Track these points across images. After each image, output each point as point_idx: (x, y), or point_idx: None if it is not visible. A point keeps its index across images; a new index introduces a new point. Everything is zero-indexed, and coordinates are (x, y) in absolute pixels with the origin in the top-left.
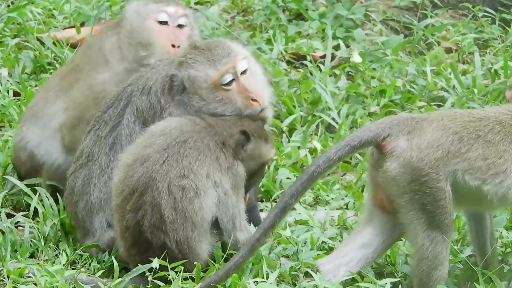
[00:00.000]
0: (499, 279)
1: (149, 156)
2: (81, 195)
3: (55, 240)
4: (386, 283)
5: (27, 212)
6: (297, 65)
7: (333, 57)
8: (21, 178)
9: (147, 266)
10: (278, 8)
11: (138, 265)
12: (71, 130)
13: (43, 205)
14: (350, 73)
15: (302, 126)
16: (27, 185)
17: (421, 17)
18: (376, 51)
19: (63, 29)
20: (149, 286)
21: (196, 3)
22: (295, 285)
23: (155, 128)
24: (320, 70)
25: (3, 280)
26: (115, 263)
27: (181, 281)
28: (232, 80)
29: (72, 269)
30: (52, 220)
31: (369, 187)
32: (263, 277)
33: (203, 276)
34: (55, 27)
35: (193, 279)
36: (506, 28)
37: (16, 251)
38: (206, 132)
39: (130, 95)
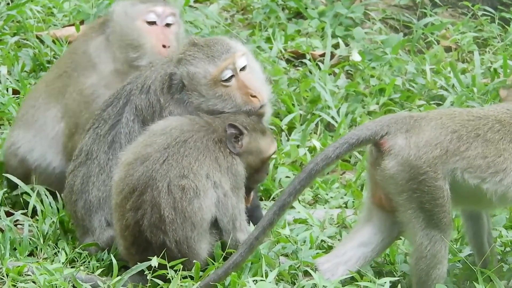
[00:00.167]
0: (498, 278)
1: (149, 155)
2: (80, 194)
3: (54, 239)
4: (385, 282)
5: (26, 210)
6: (296, 64)
7: (332, 55)
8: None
9: (146, 264)
10: (278, 7)
11: (137, 264)
12: (71, 138)
13: (42, 204)
14: (349, 71)
15: (301, 125)
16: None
17: (421, 16)
18: (375, 50)
19: (63, 27)
20: (148, 284)
21: (195, 1)
22: (294, 283)
23: (155, 127)
24: (320, 68)
25: (2, 278)
26: (114, 261)
27: (180, 280)
28: (232, 76)
29: (71, 267)
30: (51, 219)
31: (368, 185)
32: (262, 276)
33: (202, 275)
34: (55, 25)
35: (192, 278)
36: (506, 26)
37: (15, 249)
38: (204, 131)
39: (129, 93)
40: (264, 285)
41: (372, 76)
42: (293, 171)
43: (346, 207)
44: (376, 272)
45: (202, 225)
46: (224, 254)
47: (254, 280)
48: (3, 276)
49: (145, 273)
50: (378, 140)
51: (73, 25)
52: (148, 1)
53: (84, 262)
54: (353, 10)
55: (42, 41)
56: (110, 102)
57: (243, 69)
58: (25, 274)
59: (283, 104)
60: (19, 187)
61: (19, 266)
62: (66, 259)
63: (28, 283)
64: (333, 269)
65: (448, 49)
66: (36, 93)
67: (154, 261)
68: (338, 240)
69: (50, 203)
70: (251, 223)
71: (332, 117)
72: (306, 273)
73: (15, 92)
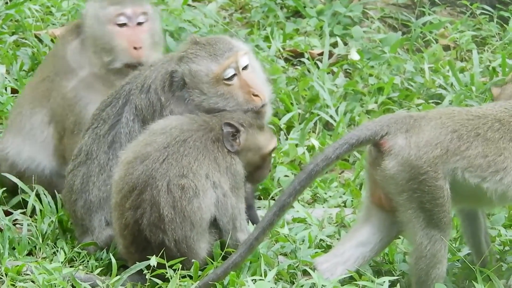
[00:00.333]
0: (497, 277)
1: (149, 154)
2: (80, 194)
3: (53, 238)
4: (384, 282)
5: (25, 210)
6: (295, 63)
7: (331, 54)
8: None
9: (145, 263)
10: (276, 5)
11: (136, 263)
12: (61, 140)
13: (41, 203)
14: (348, 70)
15: (300, 124)
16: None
17: (419, 15)
18: (374, 49)
19: (61, 26)
20: (147, 284)
21: (193, 0)
22: (293, 283)
23: (155, 126)
24: (318, 67)
25: (1, 278)
26: (113, 260)
27: (179, 279)
28: (234, 75)
29: (70, 266)
30: (50, 218)
31: (367, 185)
32: (261, 275)
33: (201, 275)
34: (53, 24)
35: (191, 277)
36: (504, 25)
37: (14, 248)
38: (203, 130)
39: (129, 93)
40: (263, 285)
41: (370, 75)
42: (292, 170)
43: (345, 206)
44: (375, 272)
45: (201, 224)
46: (223, 253)
47: (253, 280)
48: (2, 276)
49: (144, 273)
50: (378, 140)
51: None
52: (117, 3)
53: (83, 262)
54: (351, 9)
55: (40, 40)
56: (109, 102)
57: (245, 68)
58: (24, 274)
59: (282, 103)
60: (19, 188)
61: (18, 265)
62: (65, 259)
63: (27, 282)
64: (332, 269)
65: (446, 48)
66: (23, 98)
67: (153, 261)
68: (337, 239)
69: (49, 202)
70: (250, 222)
71: (331, 116)
72: (305, 273)
73: (14, 91)
